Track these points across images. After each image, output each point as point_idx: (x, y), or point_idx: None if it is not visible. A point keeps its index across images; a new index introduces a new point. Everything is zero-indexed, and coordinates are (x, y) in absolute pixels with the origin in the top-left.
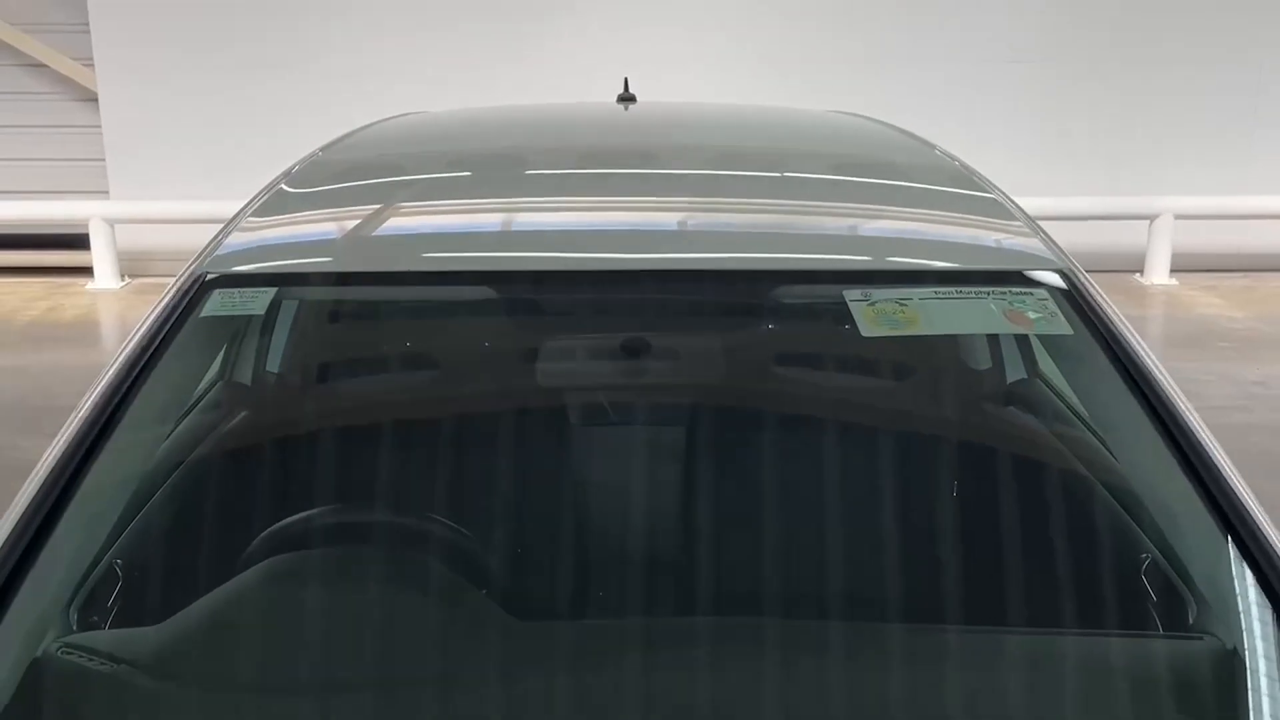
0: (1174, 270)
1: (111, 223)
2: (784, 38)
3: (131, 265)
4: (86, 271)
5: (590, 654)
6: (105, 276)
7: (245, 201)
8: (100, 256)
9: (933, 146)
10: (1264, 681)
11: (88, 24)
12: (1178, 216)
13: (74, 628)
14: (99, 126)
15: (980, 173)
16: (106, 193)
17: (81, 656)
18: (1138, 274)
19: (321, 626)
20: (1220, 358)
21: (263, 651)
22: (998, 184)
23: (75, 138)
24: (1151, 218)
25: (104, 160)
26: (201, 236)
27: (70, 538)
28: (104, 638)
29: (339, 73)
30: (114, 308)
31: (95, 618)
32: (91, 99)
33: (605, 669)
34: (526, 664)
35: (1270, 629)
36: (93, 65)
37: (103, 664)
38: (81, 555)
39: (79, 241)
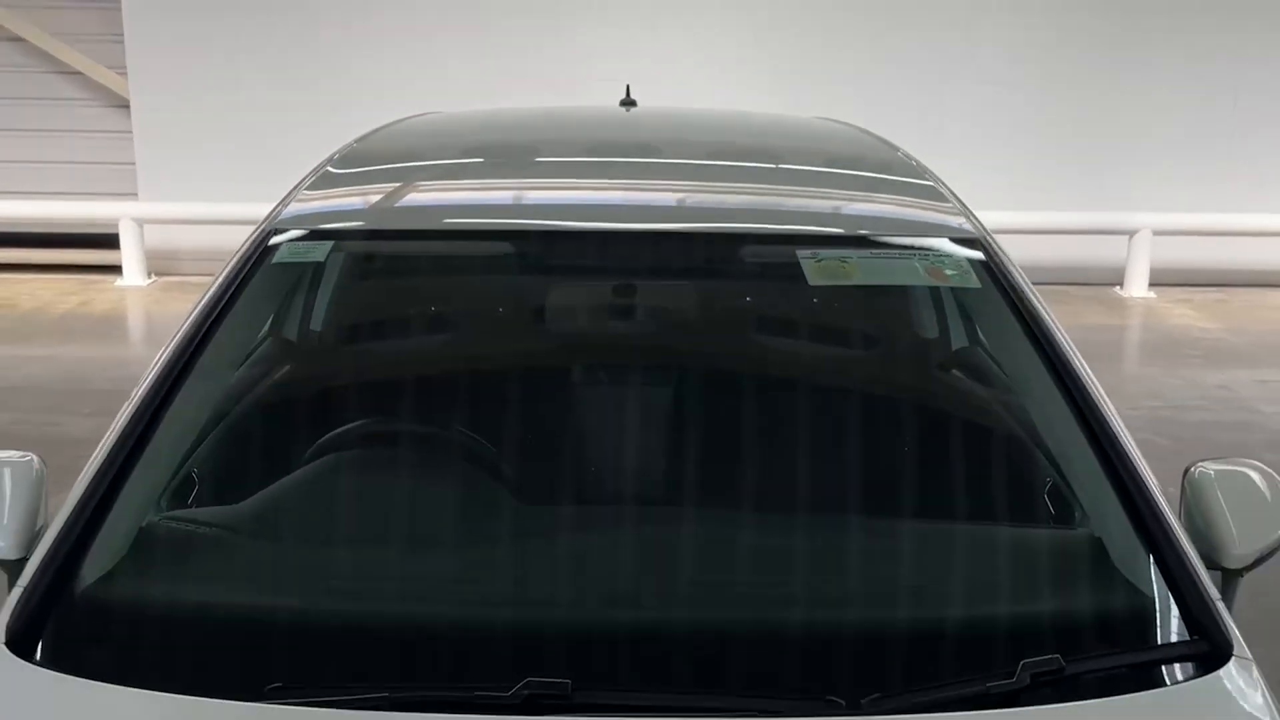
0: (1153, 284)
1: (140, 223)
2: (782, 59)
3: (158, 264)
4: (115, 269)
5: (578, 524)
6: (133, 274)
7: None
8: (129, 255)
9: (895, 148)
10: (1112, 554)
11: (122, 34)
12: (1156, 232)
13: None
14: (130, 131)
15: (928, 168)
16: (135, 194)
17: (178, 523)
18: (1117, 287)
19: (367, 501)
20: (1187, 364)
21: (321, 517)
22: (963, 194)
23: (107, 142)
24: (1131, 233)
25: (134, 164)
26: (225, 237)
27: (162, 445)
28: (194, 513)
29: (355, 82)
30: (141, 303)
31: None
32: (123, 105)
33: (588, 530)
34: (526, 535)
35: (1122, 526)
36: (125, 73)
37: (196, 527)
38: (168, 461)
39: (108, 241)
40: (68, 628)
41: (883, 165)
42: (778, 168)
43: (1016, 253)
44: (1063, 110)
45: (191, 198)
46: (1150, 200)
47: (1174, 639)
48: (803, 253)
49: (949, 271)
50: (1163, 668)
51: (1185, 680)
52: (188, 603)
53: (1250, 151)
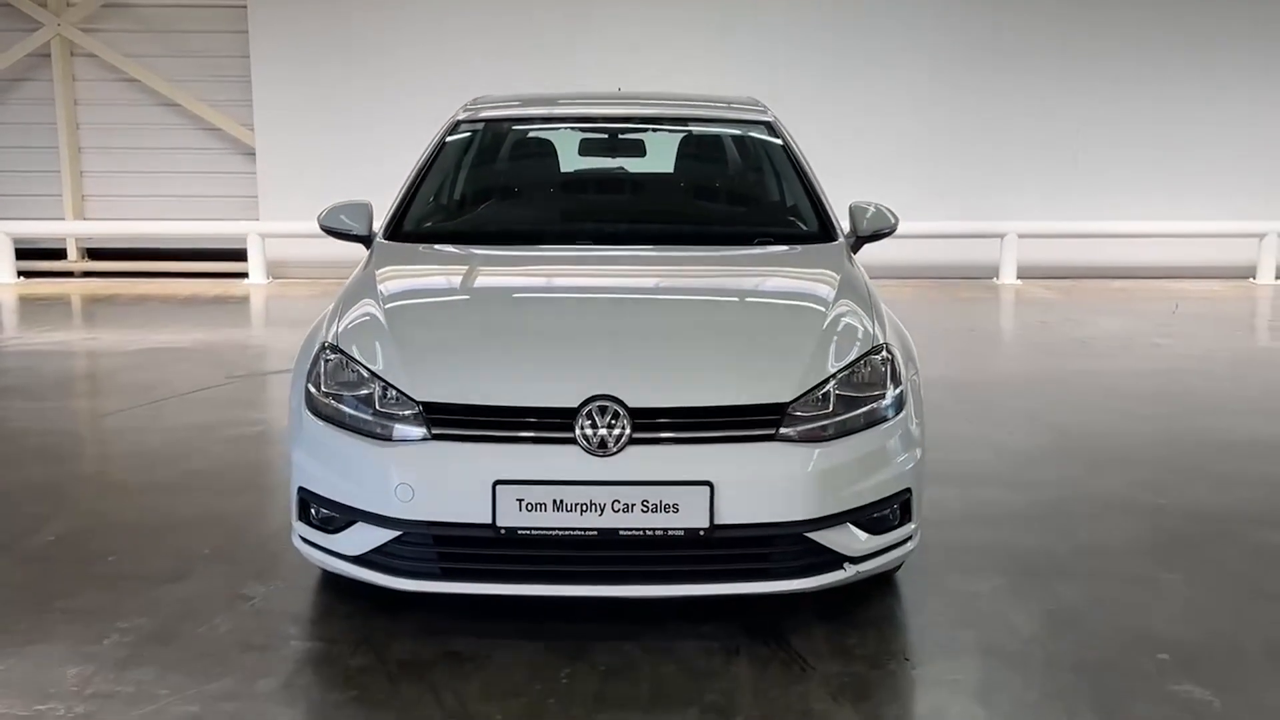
0: (1021, 276)
1: (263, 237)
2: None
3: (274, 269)
4: (239, 275)
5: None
6: (257, 275)
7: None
8: (254, 261)
9: (757, 100)
10: (807, 223)
11: (251, 99)
12: (1020, 235)
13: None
14: (254, 172)
15: (766, 104)
16: (257, 218)
17: (424, 225)
18: (994, 278)
19: (509, 212)
20: (1026, 313)
21: (491, 218)
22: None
23: (236, 180)
24: (1001, 236)
25: (256, 196)
26: (325, 249)
27: (418, 204)
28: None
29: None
30: (265, 293)
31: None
32: (250, 153)
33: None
34: (578, 203)
35: (812, 218)
36: (252, 128)
37: (438, 222)
38: (419, 213)
39: (231, 254)
40: (401, 233)
41: (745, 104)
42: (690, 103)
43: (913, 255)
44: (947, 140)
45: (298, 219)
46: (1015, 211)
47: (821, 236)
48: (693, 127)
49: (759, 135)
50: (815, 242)
51: (823, 242)
52: (444, 227)
53: (1090, 173)
